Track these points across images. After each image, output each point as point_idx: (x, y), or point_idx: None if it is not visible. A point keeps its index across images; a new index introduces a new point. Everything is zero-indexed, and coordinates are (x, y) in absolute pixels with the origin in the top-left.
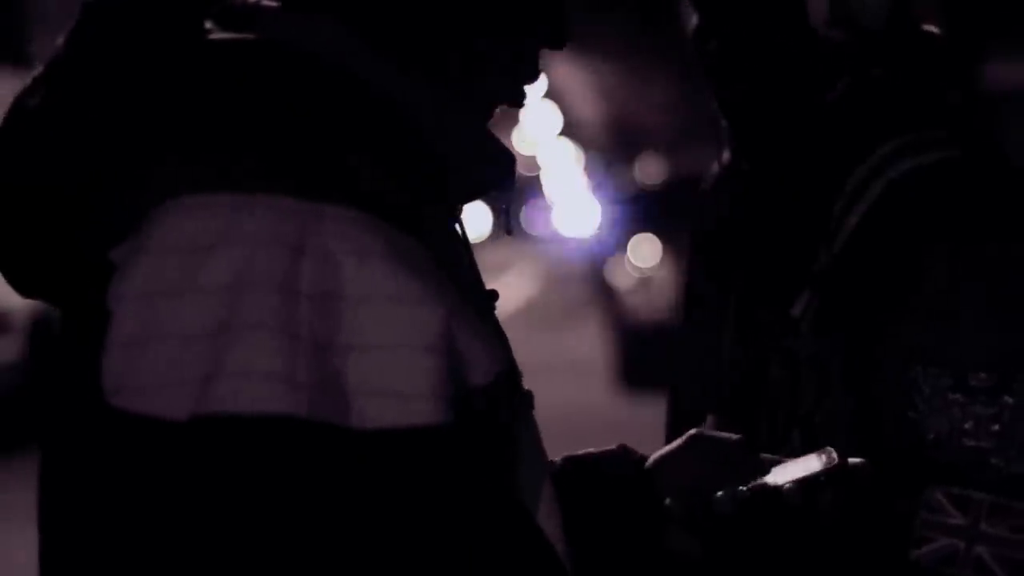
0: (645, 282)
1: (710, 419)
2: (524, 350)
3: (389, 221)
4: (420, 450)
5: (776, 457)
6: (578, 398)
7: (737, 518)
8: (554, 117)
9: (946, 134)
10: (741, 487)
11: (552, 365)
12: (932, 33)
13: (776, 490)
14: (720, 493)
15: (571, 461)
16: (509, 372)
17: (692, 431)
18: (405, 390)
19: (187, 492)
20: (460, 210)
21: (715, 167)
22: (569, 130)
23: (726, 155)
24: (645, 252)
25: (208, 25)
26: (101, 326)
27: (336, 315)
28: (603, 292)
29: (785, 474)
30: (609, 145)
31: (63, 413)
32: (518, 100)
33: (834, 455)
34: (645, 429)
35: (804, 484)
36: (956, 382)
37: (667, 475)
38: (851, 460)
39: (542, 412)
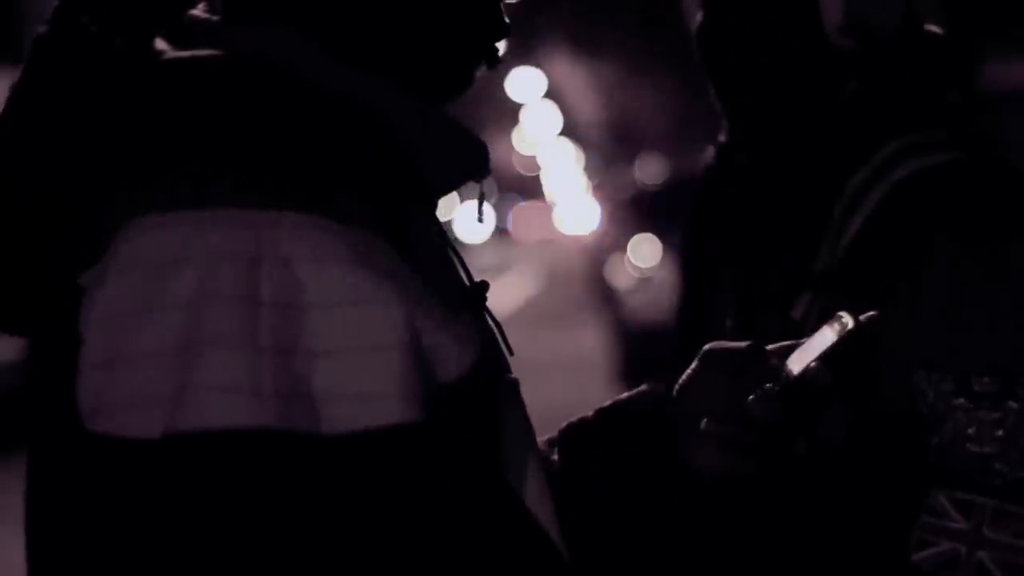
0: (645, 282)
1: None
2: (524, 350)
3: (349, 221)
4: (393, 450)
5: (789, 343)
6: (578, 398)
7: (777, 417)
8: (554, 117)
9: (948, 135)
10: (768, 385)
11: (552, 365)
12: (933, 33)
13: (803, 375)
14: (751, 398)
15: (600, 411)
16: (487, 361)
17: (705, 347)
18: (373, 391)
19: (165, 510)
20: (435, 204)
21: (708, 159)
22: (569, 130)
23: (721, 151)
24: (645, 252)
25: (162, 45)
26: (74, 351)
27: (298, 322)
28: (603, 292)
29: (806, 357)
30: (609, 145)
31: (44, 442)
32: (492, 60)
33: (847, 319)
34: None
35: (827, 359)
36: (960, 386)
37: (694, 400)
38: (862, 317)
39: (543, 412)
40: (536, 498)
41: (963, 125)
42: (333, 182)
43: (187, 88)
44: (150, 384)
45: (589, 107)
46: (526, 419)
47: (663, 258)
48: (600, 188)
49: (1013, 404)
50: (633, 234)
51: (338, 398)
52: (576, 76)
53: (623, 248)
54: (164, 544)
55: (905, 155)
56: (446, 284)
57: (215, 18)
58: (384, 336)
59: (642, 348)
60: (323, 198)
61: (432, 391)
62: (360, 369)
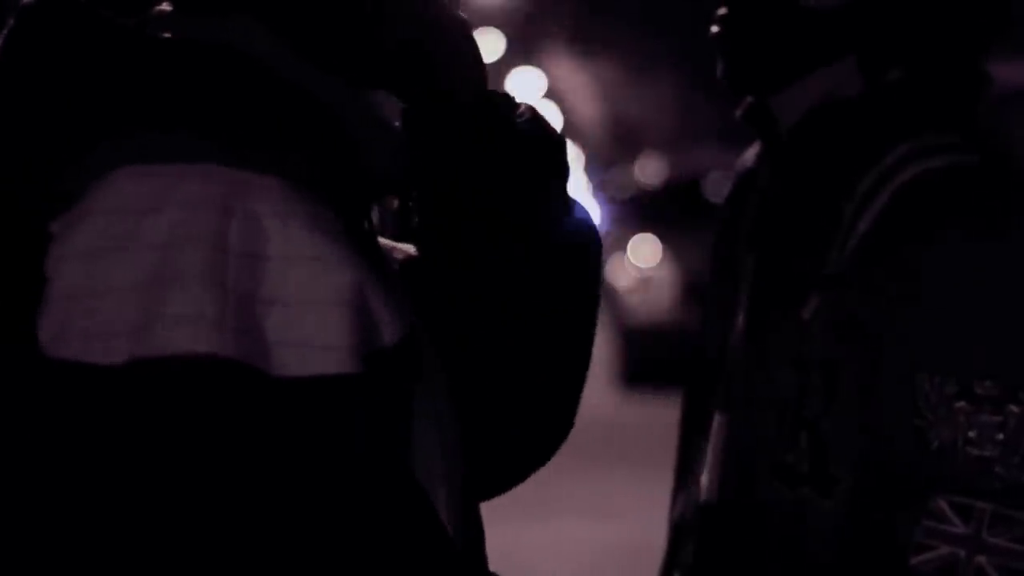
0: (645, 282)
1: (718, 418)
2: None
3: (311, 189)
4: (333, 397)
5: None
6: None
7: None
8: (554, 117)
9: (960, 138)
10: None
11: None
12: (948, 35)
13: None
14: None
15: None
16: (412, 339)
17: None
18: (321, 342)
19: (124, 434)
20: (372, 204)
21: (745, 163)
22: (569, 130)
23: (752, 156)
24: (645, 252)
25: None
26: (37, 291)
27: (260, 271)
28: (603, 292)
29: None
30: (609, 145)
31: None
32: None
33: None
34: (645, 429)
35: None
36: (962, 390)
37: None
38: None
39: None
40: (434, 483)
41: (976, 128)
42: (296, 152)
43: (161, 63)
44: (117, 314)
45: (589, 107)
46: (444, 404)
47: (663, 258)
48: (600, 188)
49: (1014, 408)
50: (633, 234)
51: (289, 344)
52: (576, 76)
53: (623, 248)
54: (122, 466)
55: (915, 157)
56: (382, 267)
57: (181, 10)
58: (336, 294)
59: (641, 348)
60: (288, 165)
61: (371, 352)
62: (311, 320)
